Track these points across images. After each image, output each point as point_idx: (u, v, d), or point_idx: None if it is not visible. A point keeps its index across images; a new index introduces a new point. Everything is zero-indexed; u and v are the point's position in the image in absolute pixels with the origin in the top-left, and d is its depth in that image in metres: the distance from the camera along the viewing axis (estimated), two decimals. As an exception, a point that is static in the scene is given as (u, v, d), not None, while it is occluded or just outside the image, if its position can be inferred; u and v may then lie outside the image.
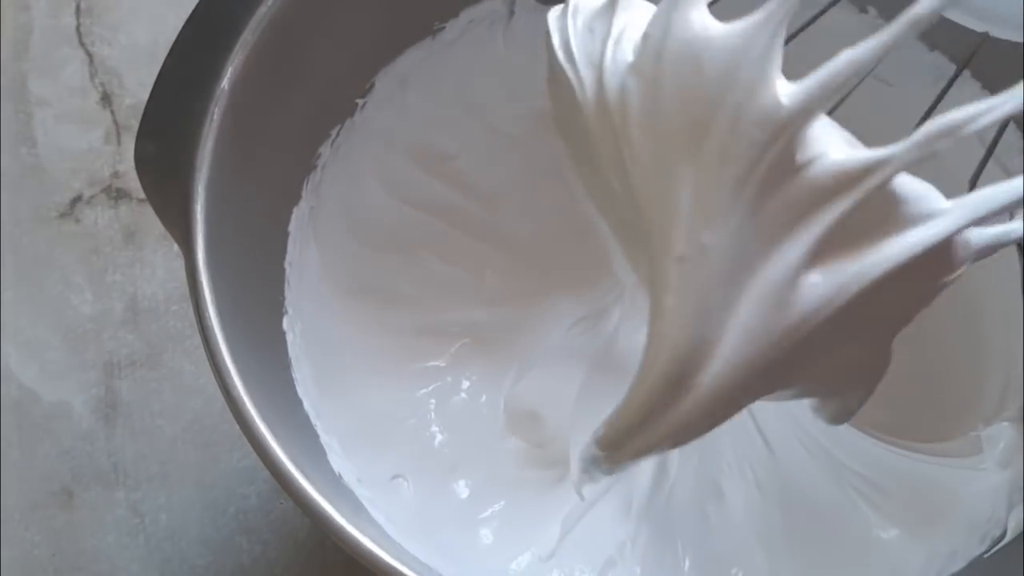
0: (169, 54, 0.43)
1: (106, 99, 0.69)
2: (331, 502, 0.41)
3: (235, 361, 0.41)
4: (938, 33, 0.52)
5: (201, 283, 0.42)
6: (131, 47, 0.70)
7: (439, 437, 0.56)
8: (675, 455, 0.56)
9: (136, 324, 0.65)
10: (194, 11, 0.44)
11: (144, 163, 0.44)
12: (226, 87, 0.44)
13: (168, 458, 0.63)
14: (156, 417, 0.63)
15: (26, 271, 0.66)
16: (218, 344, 0.41)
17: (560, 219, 0.59)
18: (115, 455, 0.63)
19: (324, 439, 0.49)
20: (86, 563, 0.61)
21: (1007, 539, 0.50)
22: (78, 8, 0.70)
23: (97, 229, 0.67)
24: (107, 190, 0.67)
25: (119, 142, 0.68)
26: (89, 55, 0.69)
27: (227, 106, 0.44)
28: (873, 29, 0.51)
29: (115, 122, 0.68)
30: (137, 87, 0.69)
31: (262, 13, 0.45)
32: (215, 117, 0.44)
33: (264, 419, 0.41)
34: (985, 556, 0.50)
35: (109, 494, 0.62)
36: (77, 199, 0.67)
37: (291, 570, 0.61)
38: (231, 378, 0.41)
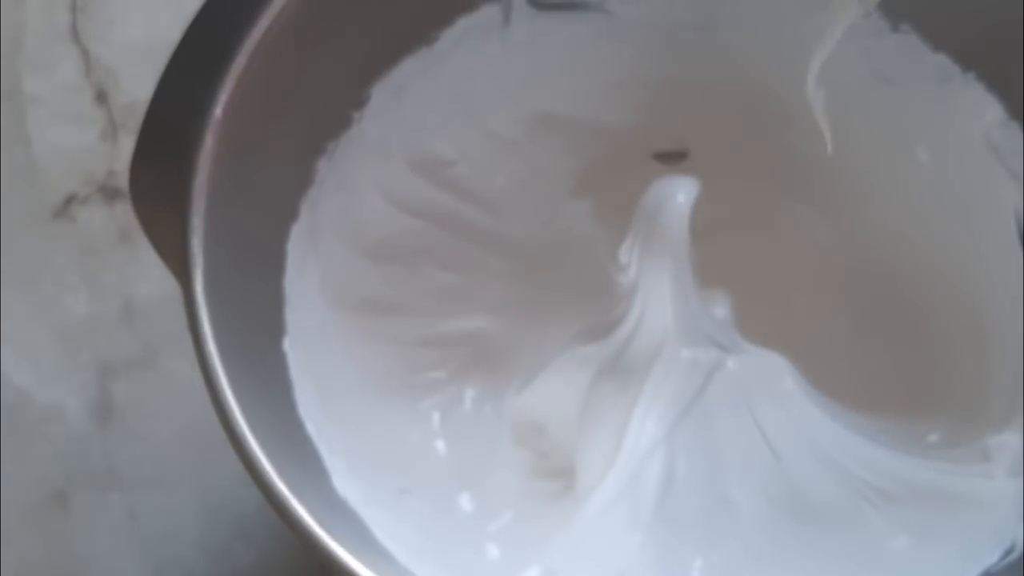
0: (160, 82, 0.43)
1: (101, 97, 0.68)
2: (334, 534, 0.41)
3: (236, 396, 0.41)
4: (943, 34, 0.52)
5: (201, 318, 0.41)
6: (126, 44, 0.69)
7: (443, 450, 0.56)
8: (682, 464, 0.56)
9: (131, 325, 0.64)
10: (183, 36, 0.43)
11: (139, 195, 0.44)
12: (219, 113, 0.43)
13: (164, 461, 0.62)
14: (152, 419, 0.63)
15: (20, 271, 0.65)
16: (220, 380, 0.41)
17: (562, 224, 0.59)
18: (110, 458, 0.62)
19: (328, 461, 0.49)
20: (80, 567, 0.61)
21: (1016, 552, 0.49)
22: (73, 5, 0.69)
23: (92, 229, 0.66)
24: (102, 189, 0.66)
25: (115, 140, 0.67)
26: (84, 52, 0.69)
27: (221, 132, 0.43)
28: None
29: (111, 120, 0.67)
30: (133, 85, 0.68)
31: (253, 35, 0.45)
32: (210, 144, 0.43)
33: (268, 455, 0.41)
34: (996, 568, 0.49)
35: (104, 497, 0.62)
36: (72, 198, 0.66)
37: (289, 578, 0.61)
38: (235, 418, 0.41)
